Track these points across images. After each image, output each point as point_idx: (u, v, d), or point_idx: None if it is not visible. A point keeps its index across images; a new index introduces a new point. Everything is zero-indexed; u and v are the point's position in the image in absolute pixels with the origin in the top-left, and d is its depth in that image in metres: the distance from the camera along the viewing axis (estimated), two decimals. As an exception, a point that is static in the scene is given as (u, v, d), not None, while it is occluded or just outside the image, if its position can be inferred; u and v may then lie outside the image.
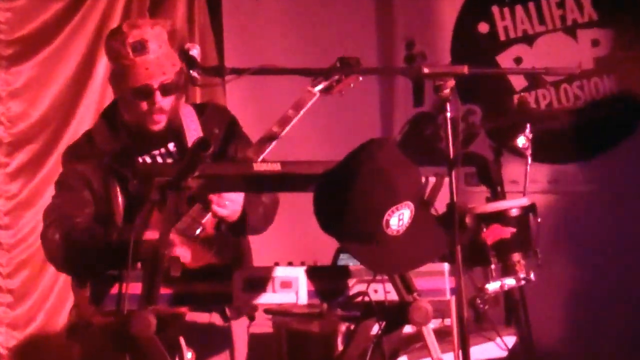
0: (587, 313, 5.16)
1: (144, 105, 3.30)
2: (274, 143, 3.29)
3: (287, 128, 3.34)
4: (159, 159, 3.42)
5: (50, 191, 3.50)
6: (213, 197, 3.18)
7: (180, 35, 4.96)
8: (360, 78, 3.50)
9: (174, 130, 3.41)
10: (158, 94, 3.28)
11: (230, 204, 3.21)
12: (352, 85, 3.50)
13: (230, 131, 3.51)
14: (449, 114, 2.81)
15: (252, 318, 3.45)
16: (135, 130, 3.38)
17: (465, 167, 4.67)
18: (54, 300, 4.86)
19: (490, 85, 5.18)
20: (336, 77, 3.44)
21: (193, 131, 3.45)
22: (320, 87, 3.42)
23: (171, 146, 3.43)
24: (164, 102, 3.30)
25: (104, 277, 2.76)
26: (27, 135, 4.93)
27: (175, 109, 3.37)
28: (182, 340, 2.93)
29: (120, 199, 3.33)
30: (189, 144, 3.34)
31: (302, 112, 3.36)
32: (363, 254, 2.54)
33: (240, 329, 3.51)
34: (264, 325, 3.90)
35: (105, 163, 3.34)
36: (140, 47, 3.29)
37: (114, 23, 4.88)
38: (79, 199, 3.33)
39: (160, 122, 3.34)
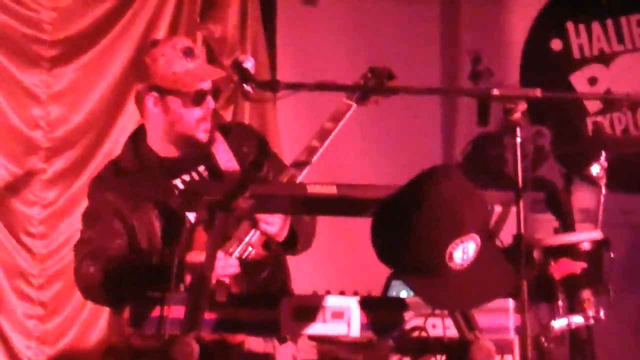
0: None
1: (196, 112, 3.37)
2: (315, 157, 3.30)
3: (327, 142, 3.34)
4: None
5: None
6: (260, 215, 3.19)
7: (231, 43, 5.01)
8: None
9: (203, 153, 3.46)
10: (210, 99, 3.38)
11: (278, 220, 3.23)
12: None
13: (261, 150, 3.55)
14: (518, 140, 2.80)
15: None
16: (177, 148, 3.43)
17: (533, 193, 4.67)
18: (87, 315, 4.88)
19: (562, 106, 5.17)
20: (372, 84, 3.45)
21: (222, 152, 3.51)
22: (357, 96, 3.42)
23: (202, 169, 3.48)
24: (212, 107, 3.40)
25: (145, 299, 2.79)
26: (67, 141, 4.96)
27: (215, 124, 3.46)
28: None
29: (157, 224, 3.38)
30: (221, 165, 3.45)
31: (340, 124, 3.37)
32: (423, 288, 2.54)
33: (284, 356, 3.48)
34: (308, 352, 3.91)
35: (136, 191, 3.39)
36: (191, 52, 3.40)
37: (162, 27, 5.00)
38: (110, 230, 3.38)
39: (207, 133, 3.41)
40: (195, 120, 3.39)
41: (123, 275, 3.25)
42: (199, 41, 4.90)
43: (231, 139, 3.53)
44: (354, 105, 3.41)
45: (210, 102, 3.40)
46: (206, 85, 3.37)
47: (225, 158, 3.46)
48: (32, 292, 4.88)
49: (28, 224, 4.89)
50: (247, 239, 3.24)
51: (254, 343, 3.24)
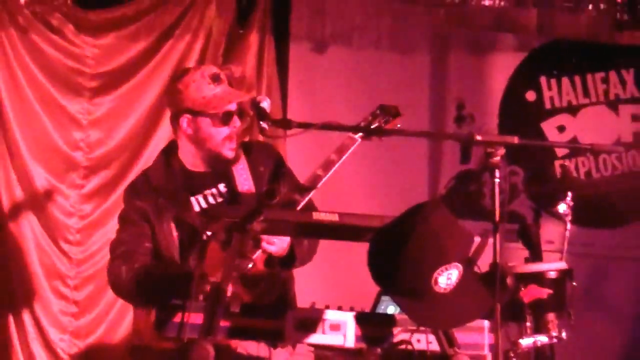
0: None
1: (224, 131, 3.37)
2: (318, 185, 3.26)
3: (331, 172, 3.31)
4: (211, 199, 3.45)
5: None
6: (263, 235, 3.18)
7: (249, 83, 4.99)
8: (399, 125, 3.46)
9: (224, 172, 3.45)
10: (237, 119, 3.38)
11: (278, 241, 3.21)
12: (398, 126, 3.47)
13: (277, 169, 3.52)
14: (497, 180, 2.80)
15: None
16: (204, 164, 3.42)
17: (507, 225, 4.66)
18: (115, 314, 4.86)
19: (534, 149, 5.14)
20: (377, 122, 3.43)
21: (241, 171, 3.49)
22: (360, 133, 3.39)
23: (222, 187, 3.46)
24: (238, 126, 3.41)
25: (168, 306, 2.78)
26: (103, 161, 4.95)
27: (239, 142, 3.47)
28: (232, 370, 2.96)
29: (175, 234, 3.36)
30: (237, 185, 3.44)
31: (344, 157, 3.34)
32: (411, 309, 2.53)
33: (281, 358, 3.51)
34: (305, 356, 3.88)
35: (160, 202, 3.38)
36: (218, 78, 3.40)
37: (190, 65, 4.90)
38: (140, 233, 3.37)
39: (233, 150, 3.41)
40: (223, 139, 3.38)
41: (147, 282, 3.24)
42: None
43: (251, 157, 3.51)
44: (359, 140, 3.38)
45: (236, 121, 3.40)
46: (232, 106, 3.36)
47: (243, 177, 3.45)
48: (67, 292, 4.87)
49: (67, 232, 4.89)
50: (248, 255, 3.18)
51: (249, 347, 3.15)
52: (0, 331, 4.77)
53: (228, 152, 3.41)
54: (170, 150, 3.52)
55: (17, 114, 4.85)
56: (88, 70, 4.93)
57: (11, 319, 4.79)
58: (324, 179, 3.30)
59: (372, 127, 3.42)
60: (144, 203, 3.39)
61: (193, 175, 3.44)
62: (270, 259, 3.32)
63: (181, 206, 3.36)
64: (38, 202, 4.85)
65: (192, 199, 3.41)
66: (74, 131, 4.92)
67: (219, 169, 3.45)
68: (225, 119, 3.37)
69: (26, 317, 4.80)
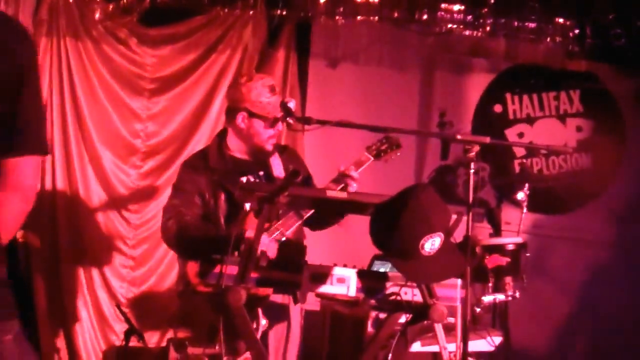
0: (554, 323, 5.18)
1: (270, 132, 3.41)
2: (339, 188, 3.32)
3: (350, 180, 3.37)
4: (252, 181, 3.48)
5: (169, 190, 3.56)
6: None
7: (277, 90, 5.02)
8: (399, 154, 3.52)
9: (264, 163, 3.48)
10: (280, 124, 3.40)
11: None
12: (398, 154, 3.53)
13: (302, 171, 3.54)
14: (472, 171, 2.85)
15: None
16: (248, 153, 3.46)
17: (476, 209, 4.67)
18: (164, 268, 4.88)
19: (499, 150, 5.19)
20: (384, 147, 3.47)
21: (276, 164, 3.52)
22: (373, 153, 3.46)
23: (261, 173, 3.50)
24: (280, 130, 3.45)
25: (211, 259, 2.83)
26: (158, 148, 4.96)
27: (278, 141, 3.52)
28: (260, 311, 2.99)
29: (224, 205, 3.38)
30: (274, 173, 3.47)
31: (360, 169, 3.40)
32: (403, 267, 2.57)
33: (296, 307, 3.52)
34: (314, 304, 3.91)
35: (215, 179, 3.39)
36: (274, 89, 3.43)
37: (228, 75, 4.94)
38: (191, 202, 3.36)
39: (272, 146, 3.45)
40: (268, 137, 3.42)
41: (193, 238, 3.26)
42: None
43: (284, 156, 3.55)
44: (372, 159, 3.44)
45: (280, 126, 3.42)
46: (279, 114, 3.34)
47: (277, 169, 3.48)
48: (126, 249, 4.89)
49: (128, 202, 4.90)
50: (288, 231, 3.27)
51: (274, 296, 3.22)
52: (72, 280, 4.80)
53: (269, 147, 3.45)
54: (223, 136, 3.52)
55: (90, 109, 4.85)
56: (147, 75, 4.93)
57: (81, 270, 4.82)
58: (342, 185, 3.34)
59: (380, 149, 3.46)
60: (200, 178, 3.38)
61: (239, 161, 3.47)
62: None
63: (232, 183, 3.35)
64: (105, 179, 4.86)
65: (241, 179, 3.42)
66: (135, 123, 4.93)
67: (259, 158, 3.47)
68: (273, 123, 3.40)
69: (93, 269, 4.83)
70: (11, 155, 1.83)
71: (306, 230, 3.60)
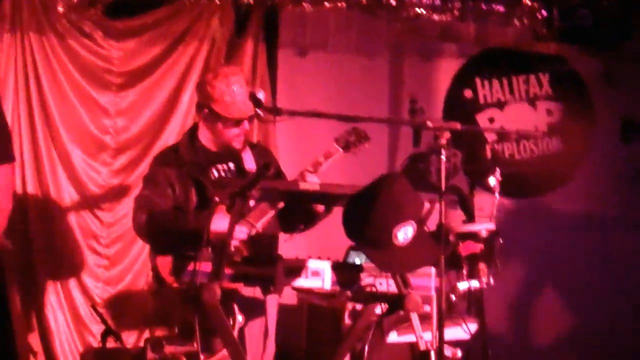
0: (529, 309, 5.22)
1: (234, 131, 3.38)
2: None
3: (319, 170, 3.38)
4: (222, 172, 3.47)
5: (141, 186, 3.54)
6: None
7: (245, 80, 4.93)
8: (367, 145, 3.53)
9: (235, 155, 3.47)
10: (246, 123, 3.39)
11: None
12: (367, 146, 3.53)
13: (275, 168, 3.55)
14: (443, 157, 2.83)
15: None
16: (217, 148, 3.44)
17: (448, 195, 4.67)
18: (139, 266, 4.84)
19: (470, 135, 5.17)
20: (352, 139, 3.47)
21: (247, 158, 3.52)
22: (342, 145, 3.47)
23: (231, 165, 3.49)
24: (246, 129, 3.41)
25: (183, 256, 2.81)
26: (128, 144, 4.90)
27: (247, 136, 3.49)
28: (235, 307, 2.97)
29: (194, 198, 3.38)
30: (244, 165, 3.46)
31: (329, 161, 3.41)
32: (376, 257, 2.57)
33: (272, 301, 3.53)
34: (290, 298, 3.90)
35: (185, 171, 3.38)
36: (240, 86, 3.41)
37: (196, 67, 4.90)
38: (163, 193, 3.37)
39: (240, 143, 3.44)
40: (233, 135, 3.40)
41: (163, 227, 3.26)
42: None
43: (255, 151, 3.55)
44: (341, 151, 3.45)
45: (245, 125, 3.40)
46: (245, 114, 3.35)
47: (249, 162, 3.48)
48: (100, 248, 4.84)
49: (99, 201, 4.85)
50: (264, 218, 3.26)
51: (248, 291, 3.22)
52: (47, 281, 4.73)
53: (236, 144, 3.43)
54: (194, 130, 3.53)
55: (58, 105, 4.78)
56: (114, 69, 4.86)
57: (55, 271, 4.76)
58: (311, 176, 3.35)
59: (348, 141, 3.46)
60: (171, 171, 3.39)
61: (210, 152, 3.46)
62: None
63: (202, 175, 3.36)
64: (76, 177, 4.81)
65: (210, 170, 3.42)
66: (104, 119, 4.86)
67: (230, 152, 3.47)
68: (236, 123, 3.39)
69: (67, 270, 4.78)
70: None
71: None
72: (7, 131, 1.88)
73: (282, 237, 3.63)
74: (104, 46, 4.84)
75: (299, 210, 3.44)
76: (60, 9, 4.64)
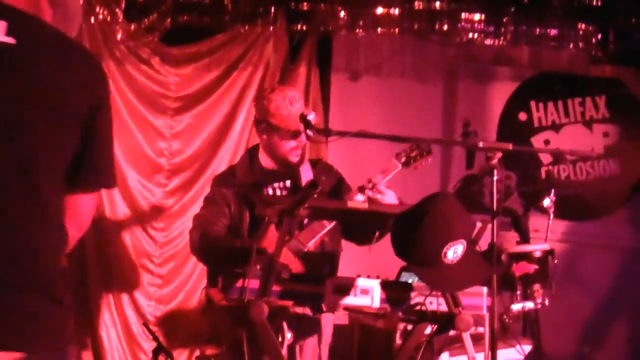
0: (586, 330, 5.10)
1: (292, 144, 3.36)
2: (366, 195, 3.26)
3: (378, 186, 3.30)
4: (278, 191, 3.44)
5: (195, 207, 3.55)
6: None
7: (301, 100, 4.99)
8: (429, 159, 3.45)
9: (293, 172, 3.45)
10: (303, 136, 3.33)
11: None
12: (429, 160, 3.47)
13: (339, 184, 3.50)
14: (495, 178, 2.78)
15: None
16: (276, 164, 3.42)
17: (502, 217, 4.62)
18: (191, 285, 4.87)
19: (525, 158, 5.13)
20: (414, 154, 3.42)
21: (306, 173, 3.47)
22: (402, 160, 3.40)
23: (288, 183, 3.45)
24: (304, 142, 3.37)
25: (232, 273, 2.79)
26: (182, 166, 4.96)
27: (304, 152, 3.45)
28: (284, 325, 2.93)
29: (247, 219, 3.36)
30: (301, 182, 3.41)
31: (387, 177, 3.33)
32: (425, 276, 2.52)
33: (327, 319, 3.48)
34: (343, 318, 3.86)
35: (241, 192, 3.38)
36: (295, 100, 3.37)
37: (250, 92, 4.94)
38: (220, 212, 3.36)
39: (299, 157, 3.40)
40: (290, 149, 3.37)
41: (214, 247, 3.24)
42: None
43: (316, 170, 3.50)
44: (400, 166, 3.38)
45: (302, 138, 3.35)
46: (301, 126, 3.27)
47: (307, 177, 3.43)
48: (153, 267, 4.89)
49: (153, 221, 4.91)
50: (316, 237, 3.23)
51: (298, 309, 3.18)
52: (100, 299, 4.79)
53: (293, 158, 3.40)
54: (254, 150, 3.53)
55: (115, 128, 4.77)
56: (171, 94, 4.95)
57: (109, 289, 4.82)
58: (370, 193, 3.27)
59: (409, 156, 3.40)
60: (228, 191, 3.38)
61: (267, 171, 3.45)
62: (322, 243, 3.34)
63: (256, 194, 3.34)
64: (130, 197, 4.88)
65: (265, 190, 3.40)
66: (159, 142, 4.94)
67: (287, 168, 3.45)
68: (294, 135, 3.35)
69: (121, 288, 4.83)
70: (77, 192, 1.87)
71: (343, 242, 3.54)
72: (112, 159, 1.93)
73: (361, 250, 3.55)
74: (160, 72, 4.93)
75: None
76: (119, 36, 4.77)
